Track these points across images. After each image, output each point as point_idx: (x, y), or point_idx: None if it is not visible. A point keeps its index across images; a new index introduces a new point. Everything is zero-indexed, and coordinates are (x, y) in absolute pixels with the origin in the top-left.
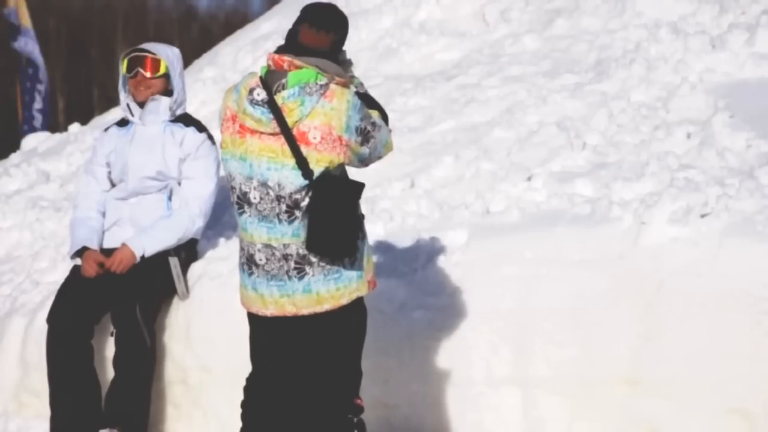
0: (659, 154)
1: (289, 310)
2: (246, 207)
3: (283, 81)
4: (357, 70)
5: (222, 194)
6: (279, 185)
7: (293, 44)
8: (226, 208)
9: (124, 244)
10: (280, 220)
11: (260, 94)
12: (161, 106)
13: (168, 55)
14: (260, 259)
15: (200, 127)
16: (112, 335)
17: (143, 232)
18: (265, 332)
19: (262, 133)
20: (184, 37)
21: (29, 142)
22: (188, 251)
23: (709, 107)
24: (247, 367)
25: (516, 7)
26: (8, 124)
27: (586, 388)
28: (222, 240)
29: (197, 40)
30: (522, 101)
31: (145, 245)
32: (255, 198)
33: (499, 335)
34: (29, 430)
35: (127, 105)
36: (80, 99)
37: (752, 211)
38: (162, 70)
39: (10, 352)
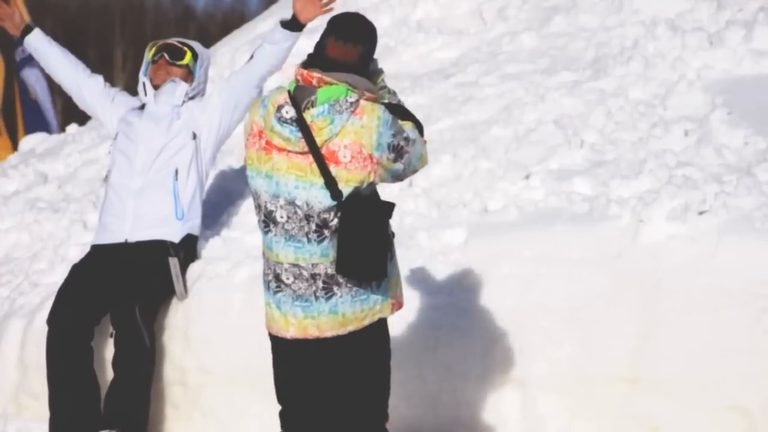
0: (657, 151)
1: (311, 332)
2: (272, 226)
3: (312, 98)
4: None
5: (220, 194)
6: (307, 204)
7: (321, 58)
8: (225, 208)
9: (130, 244)
10: (309, 240)
11: (289, 112)
12: (178, 89)
13: (198, 48)
14: (287, 278)
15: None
16: (111, 336)
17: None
18: (287, 358)
19: (289, 151)
20: (182, 36)
21: (27, 143)
22: (187, 251)
23: (707, 104)
24: (245, 367)
25: (513, 5)
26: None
27: (585, 386)
28: (220, 240)
29: (194, 40)
30: (520, 99)
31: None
32: (282, 217)
33: (497, 334)
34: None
35: (143, 84)
36: None
37: (750, 208)
38: (185, 60)
39: (9, 354)
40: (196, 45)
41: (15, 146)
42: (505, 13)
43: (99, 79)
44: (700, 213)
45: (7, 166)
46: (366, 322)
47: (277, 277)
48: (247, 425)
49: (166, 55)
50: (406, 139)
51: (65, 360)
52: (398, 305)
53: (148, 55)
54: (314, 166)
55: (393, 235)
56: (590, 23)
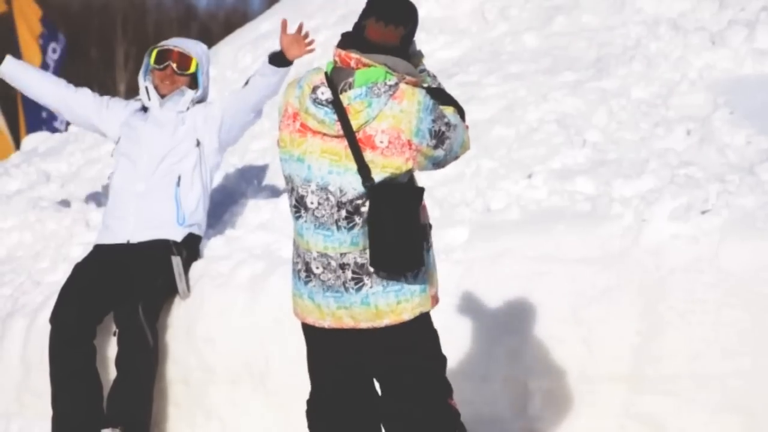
0: (659, 151)
1: (347, 322)
2: (303, 212)
3: (350, 80)
4: None
5: (223, 192)
6: (341, 190)
7: (360, 40)
8: (228, 207)
9: (132, 245)
10: (338, 227)
11: (324, 93)
12: (184, 97)
13: (198, 53)
14: (317, 268)
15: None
16: (114, 335)
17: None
18: (324, 345)
19: (324, 134)
20: (184, 36)
21: (29, 142)
22: (190, 250)
23: (709, 104)
24: (247, 366)
25: (515, 4)
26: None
27: (587, 385)
28: (223, 239)
29: (197, 40)
30: (522, 99)
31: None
32: (312, 203)
33: (499, 333)
34: (31, 430)
35: (146, 89)
36: None
37: (753, 207)
38: (191, 69)
39: (12, 353)
40: (196, 47)
41: (17, 145)
42: (508, 13)
43: (86, 91)
44: (703, 212)
45: (9, 165)
46: (405, 317)
47: (307, 267)
48: (250, 424)
49: (174, 66)
50: (448, 124)
51: (67, 358)
52: (437, 300)
53: (150, 59)
54: (349, 150)
55: (430, 227)
56: (592, 23)
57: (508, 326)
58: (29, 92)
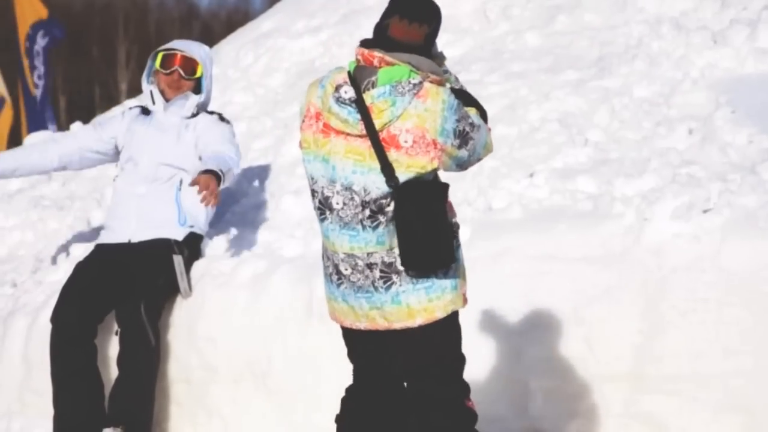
0: (661, 150)
1: (381, 323)
2: (328, 213)
3: (373, 78)
4: None
5: (224, 192)
6: (365, 190)
7: (383, 38)
8: (229, 206)
9: (133, 244)
10: (363, 227)
11: (348, 92)
12: (188, 102)
13: (202, 56)
14: (345, 269)
15: (211, 112)
16: (116, 334)
17: (201, 165)
18: (362, 347)
19: (348, 134)
20: (186, 35)
21: (31, 140)
22: (191, 249)
23: (711, 103)
24: (249, 365)
25: (517, 3)
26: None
27: (588, 384)
28: (224, 238)
29: (199, 39)
30: (524, 98)
31: (216, 168)
32: (338, 203)
33: (501, 332)
34: (32, 429)
35: (150, 92)
36: (81, 98)
37: (754, 206)
38: (198, 73)
39: (13, 352)
40: (200, 50)
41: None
42: (510, 12)
43: (81, 132)
44: (704, 211)
45: None
46: (438, 315)
47: (337, 269)
48: (251, 423)
49: (180, 71)
50: (472, 124)
51: (69, 358)
52: (466, 299)
53: (156, 63)
54: (373, 150)
55: (457, 226)
56: (594, 22)
57: (509, 325)
58: (36, 169)
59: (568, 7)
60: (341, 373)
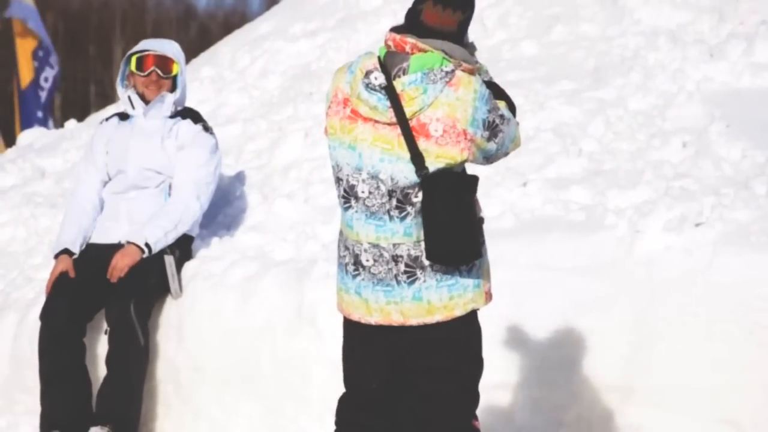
0: (655, 162)
1: (396, 319)
2: (353, 201)
3: (405, 65)
4: None
5: (216, 193)
6: (392, 179)
7: (415, 24)
8: (221, 208)
9: (124, 245)
10: (390, 217)
11: (378, 78)
12: (165, 103)
13: (175, 53)
14: (367, 260)
15: (196, 119)
16: (106, 333)
17: (140, 227)
18: (365, 342)
19: (376, 121)
20: (183, 36)
21: (25, 138)
22: (182, 250)
23: (706, 116)
24: (237, 367)
25: (514, 12)
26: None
27: (576, 395)
28: (216, 240)
29: (195, 40)
30: (519, 107)
31: (147, 234)
32: (363, 192)
33: (490, 340)
34: (19, 426)
35: (129, 97)
36: (77, 96)
37: (747, 221)
38: (174, 71)
39: (2, 349)
40: (172, 48)
41: (13, 141)
42: (506, 21)
43: (84, 175)
44: (697, 225)
45: (4, 160)
46: (457, 313)
47: (356, 259)
48: (238, 425)
49: (158, 71)
50: (502, 117)
51: (57, 355)
52: (490, 296)
53: (130, 66)
54: (402, 138)
55: (482, 220)
56: (591, 32)
57: (498, 334)
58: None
59: (565, 17)
60: (329, 377)
